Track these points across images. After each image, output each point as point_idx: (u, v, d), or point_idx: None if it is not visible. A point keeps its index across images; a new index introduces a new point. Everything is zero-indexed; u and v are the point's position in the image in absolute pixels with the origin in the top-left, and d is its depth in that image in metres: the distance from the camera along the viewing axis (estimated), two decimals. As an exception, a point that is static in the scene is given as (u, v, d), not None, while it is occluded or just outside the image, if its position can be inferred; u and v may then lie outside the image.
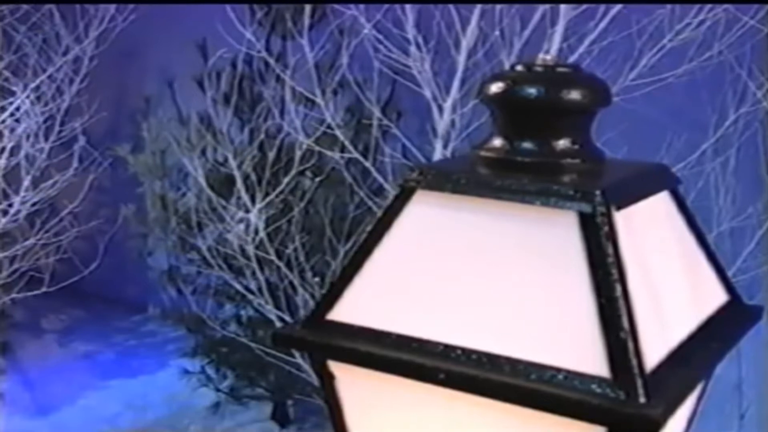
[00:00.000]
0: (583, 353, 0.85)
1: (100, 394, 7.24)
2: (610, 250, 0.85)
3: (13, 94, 4.67)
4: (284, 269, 3.44)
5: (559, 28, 3.00)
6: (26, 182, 4.91)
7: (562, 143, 0.94)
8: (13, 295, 5.32)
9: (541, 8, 3.16)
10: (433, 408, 0.97)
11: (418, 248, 0.96)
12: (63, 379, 7.37)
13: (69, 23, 4.64)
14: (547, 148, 0.94)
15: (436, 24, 3.32)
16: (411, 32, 3.33)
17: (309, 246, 3.79)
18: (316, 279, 3.62)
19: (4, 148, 5.00)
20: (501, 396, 0.88)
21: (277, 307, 3.55)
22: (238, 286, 3.86)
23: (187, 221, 6.32)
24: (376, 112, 3.44)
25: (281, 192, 3.54)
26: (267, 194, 3.52)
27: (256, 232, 3.48)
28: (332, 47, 3.66)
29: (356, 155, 3.42)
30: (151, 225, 6.66)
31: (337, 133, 3.41)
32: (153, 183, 6.50)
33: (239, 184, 3.50)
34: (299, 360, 3.53)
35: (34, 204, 5.11)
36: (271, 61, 3.53)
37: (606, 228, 0.86)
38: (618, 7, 3.14)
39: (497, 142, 0.96)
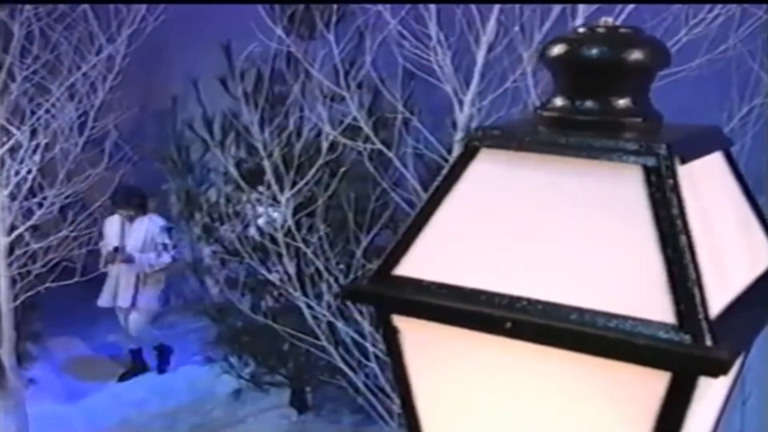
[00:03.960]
0: (649, 301, 0.84)
1: (126, 381, 7.25)
2: (675, 202, 0.85)
3: (49, 92, 4.68)
4: (311, 256, 3.44)
5: (579, 22, 2.99)
6: (61, 176, 4.92)
7: (623, 102, 0.93)
8: (48, 285, 5.33)
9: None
10: (496, 360, 0.96)
11: (482, 204, 0.95)
12: (89, 367, 7.39)
13: (103, 23, 4.65)
14: (608, 107, 0.93)
15: (458, 21, 3.31)
16: (433, 29, 3.32)
17: (333, 235, 3.79)
18: (341, 266, 3.62)
19: (38, 144, 5.01)
20: (568, 344, 0.88)
21: (304, 294, 3.55)
22: (268, 274, 3.86)
23: (212, 214, 6.33)
24: (399, 106, 3.44)
25: (308, 182, 3.54)
26: (295, 184, 3.52)
27: (285, 220, 3.48)
28: (355, 44, 3.65)
29: (380, 146, 3.41)
30: (176, 218, 6.68)
31: (362, 124, 3.41)
32: (178, 178, 6.52)
33: (269, 173, 3.50)
34: (324, 343, 3.53)
35: (67, 197, 5.12)
36: (300, 56, 3.54)
37: (671, 181, 0.85)
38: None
39: (559, 101, 0.95)
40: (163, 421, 6.81)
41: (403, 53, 3.43)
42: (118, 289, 6.95)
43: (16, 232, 5.14)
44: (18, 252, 5.24)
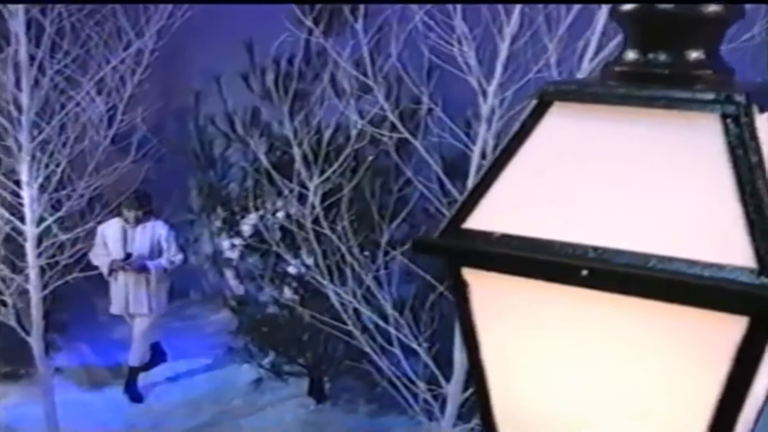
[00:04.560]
0: (729, 247, 0.83)
1: (147, 371, 7.24)
2: (754, 149, 0.84)
3: (79, 85, 4.69)
4: (337, 242, 3.43)
5: (605, 9, 2.97)
6: (90, 168, 4.93)
7: (695, 55, 0.92)
8: (75, 275, 5.34)
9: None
10: (567, 311, 0.95)
11: (555, 157, 0.94)
12: (113, 357, 7.40)
13: (131, 19, 4.65)
14: (681, 60, 0.92)
15: (483, 13, 3.30)
16: (458, 21, 3.31)
17: (357, 224, 3.79)
18: (366, 253, 3.62)
19: (67, 138, 5.03)
20: (645, 291, 0.86)
21: (331, 280, 3.53)
22: (294, 261, 3.84)
23: (233, 207, 6.35)
24: (424, 98, 3.43)
25: (335, 170, 3.54)
26: (323, 171, 3.52)
27: (313, 207, 3.48)
28: (382, 35, 3.64)
29: (406, 135, 3.40)
30: (198, 212, 6.69)
31: (388, 113, 3.41)
32: (200, 172, 6.53)
33: (298, 161, 3.49)
34: (351, 327, 3.52)
35: (95, 189, 5.13)
36: (328, 46, 3.54)
37: (749, 128, 0.84)
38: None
39: (631, 55, 0.94)
40: (185, 410, 6.83)
41: (428, 45, 3.43)
42: (129, 296, 6.68)
43: (45, 223, 5.15)
44: (46, 243, 5.24)
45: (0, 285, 5.12)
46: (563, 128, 0.94)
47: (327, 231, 3.44)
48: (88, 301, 7.59)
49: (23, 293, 5.26)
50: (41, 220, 5.17)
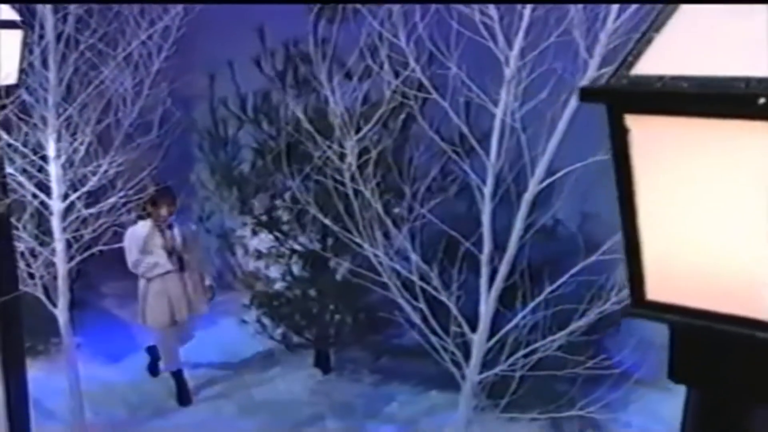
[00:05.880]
0: None
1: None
2: None
3: (106, 61, 4.63)
4: (369, 196, 3.43)
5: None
6: (117, 142, 4.86)
7: None
8: (100, 247, 5.26)
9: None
10: (733, 150, 0.95)
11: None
12: (127, 333, 7.32)
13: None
14: None
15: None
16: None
17: (384, 185, 3.79)
18: (397, 210, 3.62)
19: (91, 115, 4.95)
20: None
21: (370, 242, 3.51)
22: (334, 225, 3.80)
23: (246, 187, 6.31)
24: (453, 66, 3.44)
25: (370, 129, 3.54)
26: (359, 129, 3.51)
27: (350, 166, 3.47)
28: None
29: (436, 96, 3.41)
30: (213, 191, 6.63)
31: (420, 76, 3.42)
32: (212, 153, 6.48)
33: (338, 120, 3.48)
34: (386, 279, 3.51)
35: (120, 164, 5.06)
36: (364, 11, 3.54)
37: None
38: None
39: None
40: (199, 381, 6.78)
41: (454, 11, 3.44)
42: (182, 303, 6.29)
43: (69, 198, 5.07)
44: (71, 217, 5.16)
45: (28, 257, 5.04)
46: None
47: (362, 188, 3.43)
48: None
49: (50, 266, 5.18)
50: (66, 195, 5.09)
